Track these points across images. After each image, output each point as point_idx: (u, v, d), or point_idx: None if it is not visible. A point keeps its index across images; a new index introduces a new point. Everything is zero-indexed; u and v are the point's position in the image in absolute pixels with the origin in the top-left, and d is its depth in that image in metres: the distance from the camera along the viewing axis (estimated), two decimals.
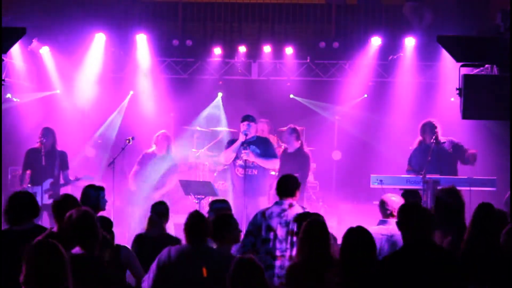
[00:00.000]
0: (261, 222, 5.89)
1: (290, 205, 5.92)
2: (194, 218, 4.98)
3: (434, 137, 9.02)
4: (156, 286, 4.86)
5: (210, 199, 9.13)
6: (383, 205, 5.97)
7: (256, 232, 5.87)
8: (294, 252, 5.56)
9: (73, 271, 4.20)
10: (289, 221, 5.81)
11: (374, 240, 4.48)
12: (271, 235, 5.83)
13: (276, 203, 6.00)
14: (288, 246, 5.74)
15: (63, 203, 5.19)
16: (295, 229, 5.72)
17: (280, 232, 5.81)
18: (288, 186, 6.04)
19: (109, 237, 5.17)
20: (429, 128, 9.21)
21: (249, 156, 8.67)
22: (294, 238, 5.69)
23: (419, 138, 9.40)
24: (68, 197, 5.35)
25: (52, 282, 3.86)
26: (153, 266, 4.94)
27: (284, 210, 5.88)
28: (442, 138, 9.16)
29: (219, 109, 12.77)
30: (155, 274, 4.88)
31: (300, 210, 5.89)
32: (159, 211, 6.23)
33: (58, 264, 3.91)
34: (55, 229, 5.15)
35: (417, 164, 9.15)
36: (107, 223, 5.67)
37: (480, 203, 5.11)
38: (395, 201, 5.94)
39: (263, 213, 5.97)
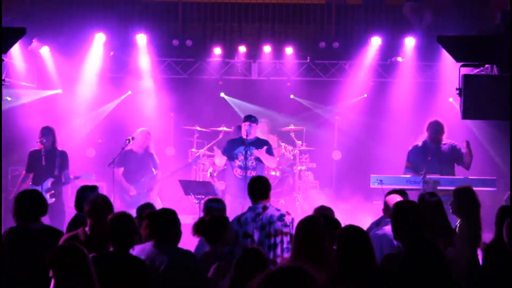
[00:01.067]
0: (237, 229, 5.83)
1: (264, 208, 5.88)
2: (161, 217, 4.98)
3: (439, 137, 8.96)
4: None
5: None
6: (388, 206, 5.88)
7: (234, 239, 5.80)
8: (272, 255, 5.56)
9: (105, 270, 4.33)
10: (265, 224, 5.79)
11: (369, 238, 4.46)
12: (249, 241, 5.80)
13: (250, 208, 5.97)
14: (266, 249, 5.72)
15: (100, 207, 5.22)
16: (271, 231, 5.72)
17: (257, 237, 5.79)
18: (259, 188, 6.00)
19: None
20: (437, 128, 9.13)
21: (260, 153, 8.79)
22: (272, 241, 5.69)
23: (425, 135, 9.30)
24: (106, 201, 5.36)
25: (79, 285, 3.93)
26: None
27: (258, 214, 5.85)
28: (444, 140, 9.11)
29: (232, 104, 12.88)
30: None
31: (274, 211, 5.88)
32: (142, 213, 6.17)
33: (84, 267, 3.98)
34: (87, 228, 5.20)
35: (415, 161, 9.10)
36: None
37: (501, 207, 5.13)
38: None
39: (238, 219, 5.93)
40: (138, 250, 4.89)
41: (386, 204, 5.84)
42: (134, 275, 4.53)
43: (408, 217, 4.58)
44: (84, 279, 3.95)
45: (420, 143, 9.24)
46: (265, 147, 8.92)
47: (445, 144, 9.14)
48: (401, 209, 4.68)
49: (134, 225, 4.73)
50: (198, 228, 5.26)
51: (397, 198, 5.86)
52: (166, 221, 4.90)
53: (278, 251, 5.70)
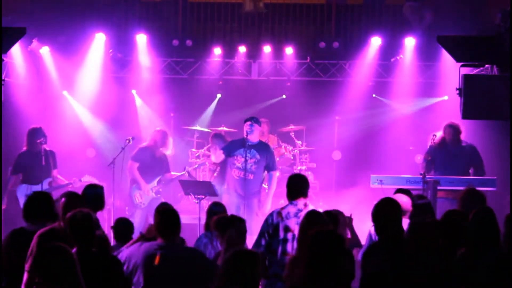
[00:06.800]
0: (277, 222, 5.87)
1: (305, 205, 5.93)
2: (166, 215, 5.00)
3: (453, 139, 8.93)
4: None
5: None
6: None
7: (272, 232, 5.84)
8: None
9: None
10: None
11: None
12: (289, 235, 5.82)
13: (291, 204, 5.98)
14: None
15: (68, 201, 5.23)
16: None
17: (298, 232, 5.82)
18: (300, 186, 6.05)
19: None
20: (448, 131, 9.08)
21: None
22: None
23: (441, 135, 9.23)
24: (72, 195, 5.36)
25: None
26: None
27: (300, 210, 5.88)
28: (463, 142, 9.04)
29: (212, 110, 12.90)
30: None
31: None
32: None
33: (70, 266, 3.99)
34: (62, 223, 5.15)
35: (433, 157, 9.02)
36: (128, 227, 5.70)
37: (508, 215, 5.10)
38: (405, 201, 5.94)
39: (279, 213, 5.94)
40: (145, 247, 4.89)
41: None
42: (103, 272, 4.55)
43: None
44: (70, 277, 3.95)
45: (439, 141, 9.14)
46: (257, 155, 8.88)
47: (464, 146, 9.00)
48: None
49: (92, 223, 4.71)
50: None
51: (402, 197, 5.91)
52: (178, 220, 4.96)
53: None
